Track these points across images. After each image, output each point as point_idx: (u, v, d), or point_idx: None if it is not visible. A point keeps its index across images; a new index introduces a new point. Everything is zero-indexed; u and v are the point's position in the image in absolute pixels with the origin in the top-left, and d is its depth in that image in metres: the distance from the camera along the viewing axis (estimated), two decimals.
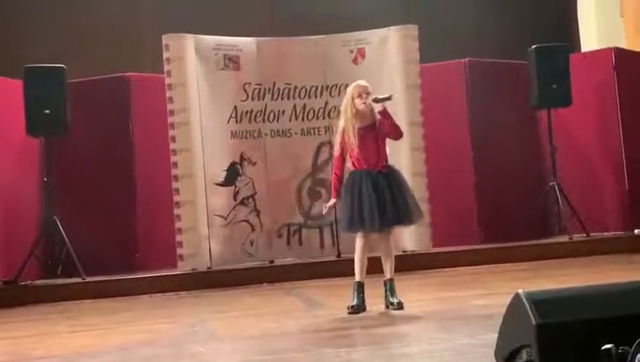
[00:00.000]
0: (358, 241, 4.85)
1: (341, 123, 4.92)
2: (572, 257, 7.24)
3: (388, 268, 4.88)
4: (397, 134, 4.90)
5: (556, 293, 2.50)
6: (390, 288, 4.87)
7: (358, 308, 4.76)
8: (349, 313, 4.73)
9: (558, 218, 7.88)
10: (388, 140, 4.94)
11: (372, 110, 4.84)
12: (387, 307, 4.83)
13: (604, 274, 6.02)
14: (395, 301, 4.81)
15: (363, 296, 4.81)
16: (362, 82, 4.92)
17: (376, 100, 4.81)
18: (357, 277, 4.83)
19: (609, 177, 8.32)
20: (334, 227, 7.29)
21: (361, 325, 4.52)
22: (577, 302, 2.40)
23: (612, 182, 8.30)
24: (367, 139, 4.81)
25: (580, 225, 7.72)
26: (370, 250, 4.93)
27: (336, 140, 4.95)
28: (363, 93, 4.82)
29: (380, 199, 4.73)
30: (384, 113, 4.82)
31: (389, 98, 4.88)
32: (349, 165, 4.92)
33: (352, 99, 4.83)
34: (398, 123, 4.94)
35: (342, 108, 4.95)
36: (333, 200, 4.95)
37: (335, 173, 4.94)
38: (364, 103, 4.80)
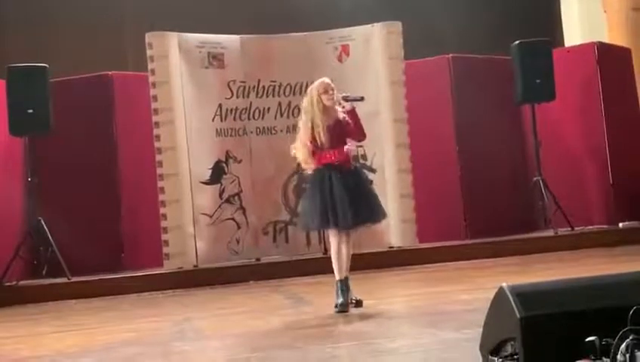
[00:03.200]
0: (332, 240, 4.85)
1: (304, 120, 4.86)
2: (557, 251, 7.27)
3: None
4: (361, 136, 4.93)
5: (540, 286, 2.52)
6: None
7: (345, 306, 4.75)
8: (337, 311, 4.71)
9: (543, 212, 7.91)
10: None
11: (335, 107, 4.83)
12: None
13: (588, 267, 6.05)
14: (353, 298, 4.81)
15: (348, 293, 4.80)
16: (326, 79, 4.94)
17: (346, 99, 4.82)
18: (337, 276, 4.81)
19: (593, 171, 8.36)
20: None
21: (346, 321, 4.52)
22: (561, 294, 2.41)
23: (596, 176, 8.34)
24: (332, 136, 4.79)
25: (564, 220, 7.75)
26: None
27: (304, 136, 4.83)
28: (328, 89, 4.82)
29: (339, 198, 4.70)
30: (352, 113, 4.82)
31: (360, 99, 4.91)
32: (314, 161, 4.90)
33: (319, 95, 4.81)
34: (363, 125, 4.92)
35: (305, 105, 4.89)
36: None
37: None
38: (332, 99, 4.79)
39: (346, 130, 4.83)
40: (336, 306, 4.74)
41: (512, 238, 7.69)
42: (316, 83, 4.91)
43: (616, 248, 7.14)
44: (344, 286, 4.79)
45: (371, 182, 5.03)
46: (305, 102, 4.92)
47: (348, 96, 4.84)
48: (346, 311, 4.71)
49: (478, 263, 7.02)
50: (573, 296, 2.39)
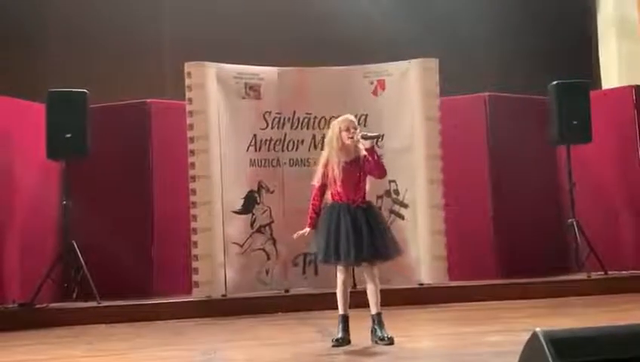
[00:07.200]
0: (339, 275, 4.88)
1: (324, 155, 4.94)
2: (590, 295, 7.16)
3: (373, 302, 4.86)
4: (381, 173, 4.90)
5: (575, 332, 2.47)
6: (379, 322, 4.84)
7: (343, 341, 4.78)
8: (333, 346, 4.75)
9: (576, 255, 7.82)
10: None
11: (357, 145, 4.85)
12: (376, 342, 4.79)
13: (622, 313, 5.95)
14: (386, 335, 4.78)
15: (348, 329, 4.84)
16: (350, 116, 4.96)
17: (365, 137, 4.85)
18: (340, 311, 4.87)
19: (628, 215, 8.26)
20: None
21: (373, 358, 4.48)
22: (597, 342, 2.36)
23: (631, 219, 8.24)
24: (349, 174, 4.82)
25: (598, 263, 7.65)
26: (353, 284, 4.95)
27: (318, 171, 4.94)
28: (351, 127, 4.84)
29: (356, 233, 4.73)
30: (371, 151, 4.84)
31: (377, 137, 5.00)
32: (328, 197, 4.94)
33: (340, 132, 4.84)
34: (383, 162, 4.96)
35: (326, 140, 4.97)
36: (306, 229, 4.95)
37: (313, 204, 4.94)
38: (352, 138, 4.82)
39: (365, 167, 4.85)
40: (333, 340, 4.79)
41: (544, 280, 7.59)
42: (340, 118, 4.94)
43: None
44: (346, 321, 4.84)
45: (402, 217, 5.02)
46: (327, 137, 4.98)
47: (366, 135, 4.88)
48: (342, 346, 4.72)
49: (509, 304, 6.93)
50: (609, 344, 2.34)
